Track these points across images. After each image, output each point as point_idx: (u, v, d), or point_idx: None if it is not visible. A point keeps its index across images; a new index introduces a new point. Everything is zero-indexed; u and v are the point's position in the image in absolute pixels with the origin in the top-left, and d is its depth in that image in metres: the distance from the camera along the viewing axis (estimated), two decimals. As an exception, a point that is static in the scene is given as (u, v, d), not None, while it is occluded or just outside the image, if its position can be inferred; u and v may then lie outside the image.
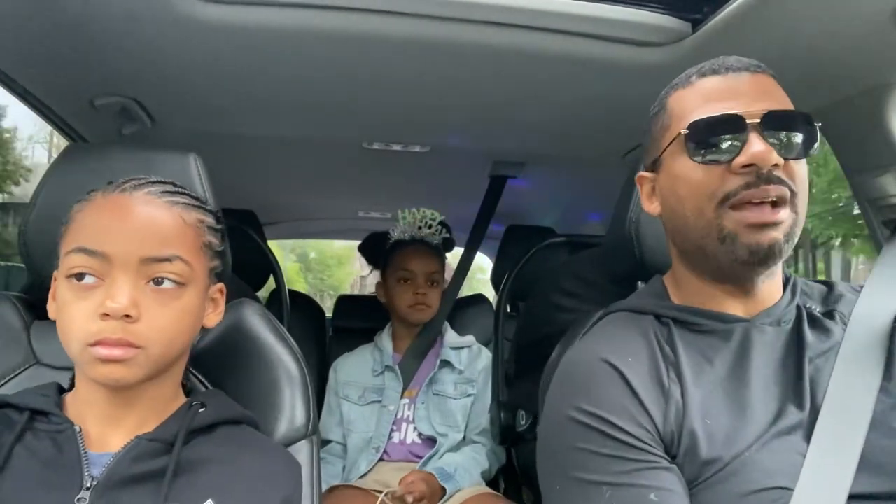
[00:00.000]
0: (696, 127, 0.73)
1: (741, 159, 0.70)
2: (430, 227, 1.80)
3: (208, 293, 0.78)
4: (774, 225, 0.71)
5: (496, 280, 2.07)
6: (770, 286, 0.80)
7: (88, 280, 0.67)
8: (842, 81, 1.10)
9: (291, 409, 0.85)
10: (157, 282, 0.69)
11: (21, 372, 0.85)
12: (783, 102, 0.75)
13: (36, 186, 0.90)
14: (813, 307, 0.82)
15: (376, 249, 1.87)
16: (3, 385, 0.83)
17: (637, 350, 0.77)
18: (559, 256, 1.87)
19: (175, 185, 0.77)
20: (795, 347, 0.77)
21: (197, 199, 0.78)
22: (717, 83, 0.76)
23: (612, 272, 1.10)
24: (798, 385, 0.74)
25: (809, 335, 0.78)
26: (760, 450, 0.69)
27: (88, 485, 0.67)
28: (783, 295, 0.81)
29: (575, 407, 0.74)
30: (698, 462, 0.69)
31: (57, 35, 1.03)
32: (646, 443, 0.70)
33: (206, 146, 1.03)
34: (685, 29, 1.01)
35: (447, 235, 1.83)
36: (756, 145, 0.70)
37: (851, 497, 0.66)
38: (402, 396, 1.64)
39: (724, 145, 0.72)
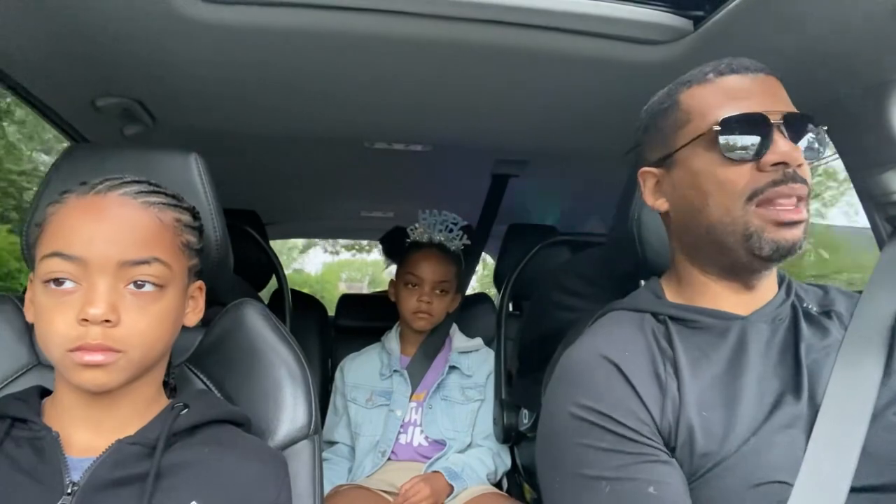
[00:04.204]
0: (727, 124, 0.74)
1: (772, 157, 0.72)
2: (450, 230, 1.74)
3: (188, 292, 0.77)
4: (798, 223, 0.73)
5: (498, 279, 2.07)
6: (767, 283, 0.81)
7: (66, 285, 0.67)
8: (844, 78, 1.09)
9: (293, 409, 0.85)
10: (137, 285, 0.69)
11: (24, 373, 0.85)
12: (791, 105, 0.77)
13: (38, 187, 0.91)
14: (810, 306, 0.83)
15: (396, 245, 1.81)
16: (7, 386, 0.83)
17: (634, 345, 0.78)
18: (561, 255, 1.87)
19: (150, 184, 0.76)
20: (792, 342, 0.78)
21: (173, 196, 0.77)
22: (737, 82, 0.77)
23: (614, 270, 1.10)
24: (796, 379, 0.74)
25: (806, 331, 0.79)
26: (759, 444, 0.69)
27: (69, 490, 0.66)
28: (778, 293, 0.82)
29: (573, 402, 0.75)
30: (696, 455, 0.70)
31: (58, 36, 1.03)
32: (644, 436, 0.71)
33: (208, 146, 1.03)
34: (687, 27, 1.01)
35: (468, 242, 1.76)
36: (783, 144, 0.72)
37: (852, 490, 0.66)
38: (409, 400, 1.63)
39: (754, 143, 0.73)
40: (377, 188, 2.30)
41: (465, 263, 1.81)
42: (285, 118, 1.47)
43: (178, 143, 0.96)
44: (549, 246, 1.88)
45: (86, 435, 0.71)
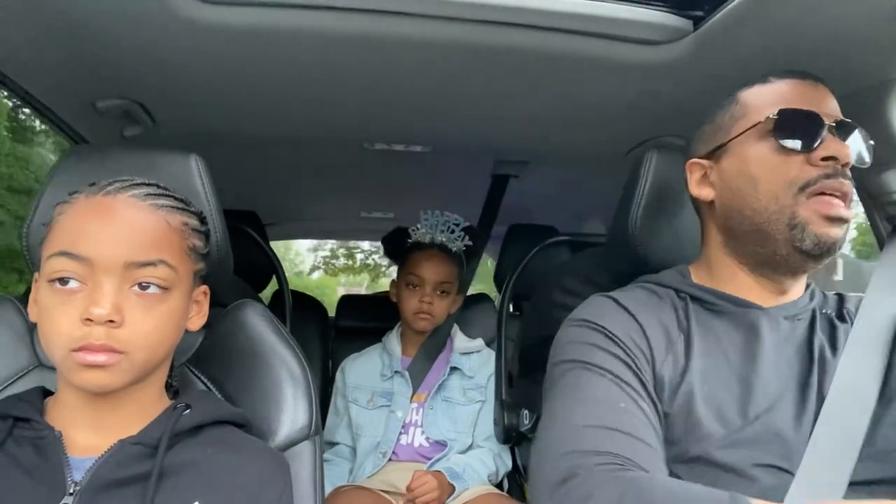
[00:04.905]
0: (783, 114, 0.77)
1: (823, 151, 0.75)
2: (451, 231, 1.74)
3: (192, 296, 0.77)
4: (842, 221, 0.75)
5: (499, 280, 2.07)
6: (796, 288, 0.83)
7: (71, 284, 0.66)
8: (843, 78, 1.09)
9: (294, 410, 0.85)
10: (142, 286, 0.69)
11: (25, 374, 0.85)
12: (840, 114, 0.80)
13: (38, 188, 0.91)
14: (829, 311, 0.85)
15: (397, 245, 1.80)
16: (8, 387, 0.83)
17: (650, 305, 0.82)
18: (561, 256, 1.86)
19: (159, 187, 0.76)
20: (807, 340, 0.80)
21: (181, 200, 0.77)
22: (794, 85, 0.81)
23: (614, 271, 1.10)
24: (807, 376, 0.76)
25: (822, 332, 0.81)
26: (759, 431, 0.71)
27: (71, 490, 0.66)
28: (803, 296, 0.84)
29: (583, 319, 0.81)
30: (692, 420, 0.72)
31: (59, 38, 1.03)
32: (640, 369, 0.76)
33: (207, 147, 1.03)
34: (686, 27, 1.01)
35: (470, 243, 1.75)
36: (834, 142, 0.75)
37: (853, 483, 0.67)
38: (410, 401, 1.63)
39: (807, 136, 0.76)
40: (377, 189, 2.30)
41: (466, 264, 1.80)
42: (285, 119, 1.47)
43: (178, 145, 0.96)
44: (550, 246, 1.88)
45: (88, 435, 0.71)
